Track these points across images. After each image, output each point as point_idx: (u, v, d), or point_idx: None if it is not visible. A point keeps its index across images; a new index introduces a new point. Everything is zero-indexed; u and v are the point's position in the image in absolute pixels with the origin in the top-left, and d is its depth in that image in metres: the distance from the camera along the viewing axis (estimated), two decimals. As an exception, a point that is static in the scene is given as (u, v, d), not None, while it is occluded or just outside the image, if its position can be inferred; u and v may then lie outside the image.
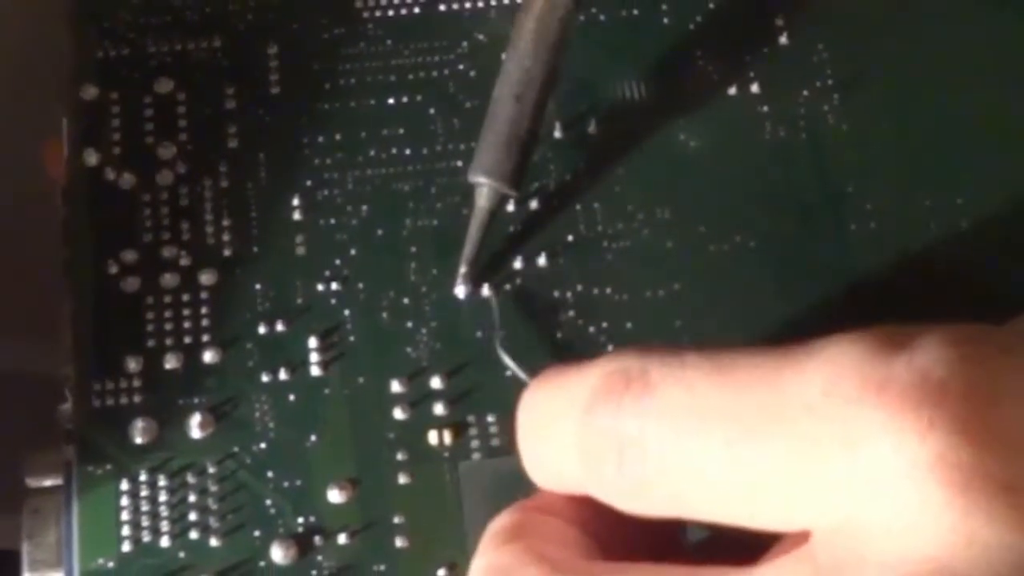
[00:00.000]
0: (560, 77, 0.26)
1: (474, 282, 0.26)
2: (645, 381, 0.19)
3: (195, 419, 0.24)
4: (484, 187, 0.25)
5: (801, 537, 0.18)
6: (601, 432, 0.19)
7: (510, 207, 0.26)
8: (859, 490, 0.17)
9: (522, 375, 0.25)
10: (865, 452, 0.17)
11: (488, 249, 0.26)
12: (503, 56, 0.26)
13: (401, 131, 0.27)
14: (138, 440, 0.24)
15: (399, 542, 0.24)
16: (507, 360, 0.25)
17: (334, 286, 0.26)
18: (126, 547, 0.24)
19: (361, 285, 0.26)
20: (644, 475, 0.19)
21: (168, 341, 0.25)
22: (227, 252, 0.26)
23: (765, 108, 0.27)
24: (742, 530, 0.18)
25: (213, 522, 0.24)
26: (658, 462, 0.19)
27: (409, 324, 0.25)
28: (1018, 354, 0.17)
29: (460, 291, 0.26)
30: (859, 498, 0.17)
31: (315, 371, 0.25)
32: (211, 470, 0.24)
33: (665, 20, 0.28)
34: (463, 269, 0.26)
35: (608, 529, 0.20)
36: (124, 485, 0.24)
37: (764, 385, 0.18)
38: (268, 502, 0.24)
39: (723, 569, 0.18)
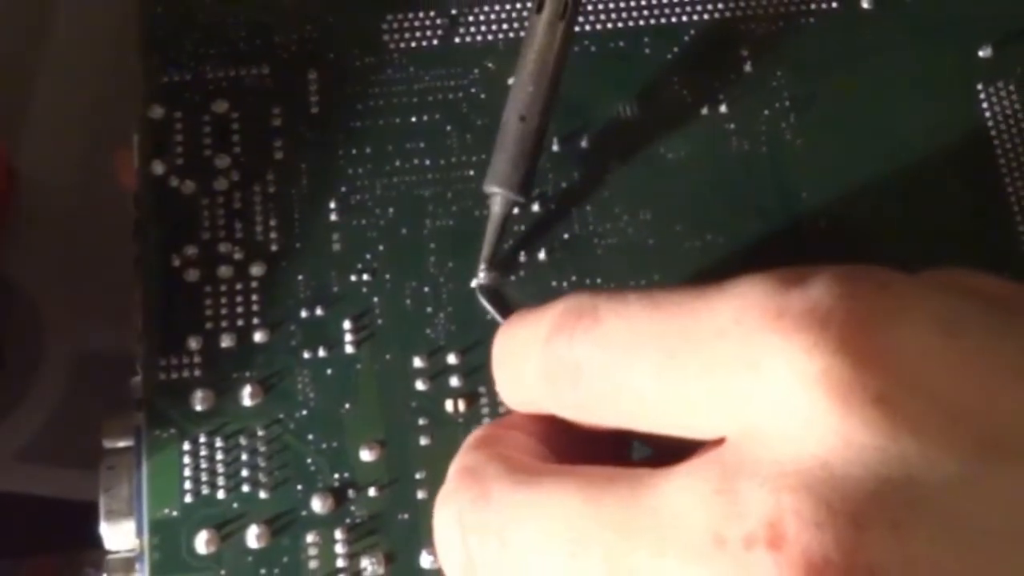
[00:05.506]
0: (558, 100, 0.26)
1: (493, 276, 0.26)
2: (594, 316, 0.20)
3: (247, 390, 0.25)
4: (498, 196, 0.26)
5: (719, 443, 0.18)
6: (558, 359, 0.20)
7: (515, 210, 0.27)
8: (760, 402, 0.18)
9: (500, 319, 0.25)
10: (765, 370, 0.18)
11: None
12: (509, 82, 0.26)
13: (422, 145, 0.27)
14: (198, 408, 0.25)
15: (420, 494, 0.24)
16: (486, 304, 0.26)
17: (365, 277, 0.26)
18: (188, 499, 0.24)
19: (388, 276, 0.26)
20: (593, 392, 0.20)
21: (224, 323, 0.26)
22: (274, 248, 0.26)
23: (732, 125, 0.28)
24: (679, 444, 0.19)
25: (262, 477, 0.25)
26: (603, 381, 0.19)
27: (429, 309, 0.26)
28: (893, 290, 0.18)
29: (480, 283, 0.26)
30: (760, 408, 0.18)
31: (349, 349, 0.26)
32: (260, 433, 0.25)
33: (647, 51, 0.28)
34: (483, 266, 0.26)
35: (564, 442, 0.21)
36: (186, 446, 0.25)
37: (687, 316, 0.19)
38: (309, 460, 0.25)
39: (649, 469, 0.19)
